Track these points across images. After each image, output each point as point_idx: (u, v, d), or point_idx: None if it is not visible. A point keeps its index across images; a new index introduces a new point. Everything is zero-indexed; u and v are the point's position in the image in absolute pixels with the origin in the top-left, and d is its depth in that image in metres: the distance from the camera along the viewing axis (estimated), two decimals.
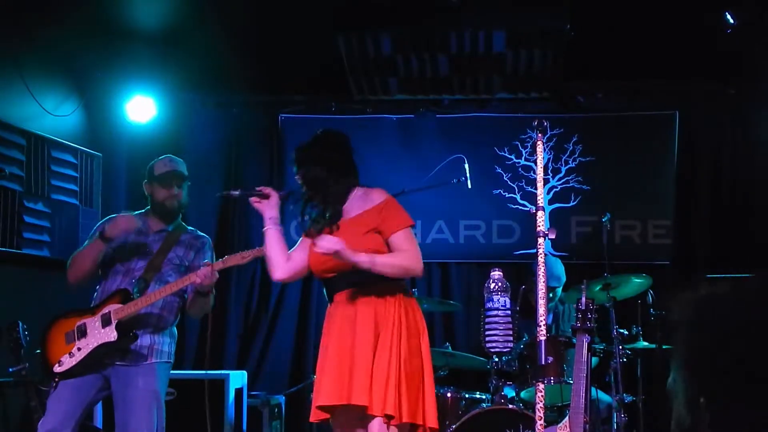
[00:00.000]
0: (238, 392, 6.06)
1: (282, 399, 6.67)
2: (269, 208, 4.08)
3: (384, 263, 3.80)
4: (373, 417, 3.67)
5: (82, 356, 4.30)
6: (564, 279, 6.30)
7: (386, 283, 3.86)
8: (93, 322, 4.33)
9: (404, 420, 3.69)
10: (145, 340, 4.41)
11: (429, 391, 3.85)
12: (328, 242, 3.71)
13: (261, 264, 7.47)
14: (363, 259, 3.75)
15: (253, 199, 4.09)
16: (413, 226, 4.02)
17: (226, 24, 6.49)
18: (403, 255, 3.85)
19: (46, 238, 6.10)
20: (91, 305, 4.46)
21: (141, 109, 7.09)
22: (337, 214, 3.97)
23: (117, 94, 7.04)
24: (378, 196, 3.98)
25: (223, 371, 6.13)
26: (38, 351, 4.44)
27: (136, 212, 4.69)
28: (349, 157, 4.10)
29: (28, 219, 5.91)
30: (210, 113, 7.58)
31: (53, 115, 6.23)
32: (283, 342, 7.40)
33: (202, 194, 7.50)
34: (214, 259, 4.60)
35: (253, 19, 6.47)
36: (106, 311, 4.33)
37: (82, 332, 4.33)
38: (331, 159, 4.02)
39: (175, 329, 4.65)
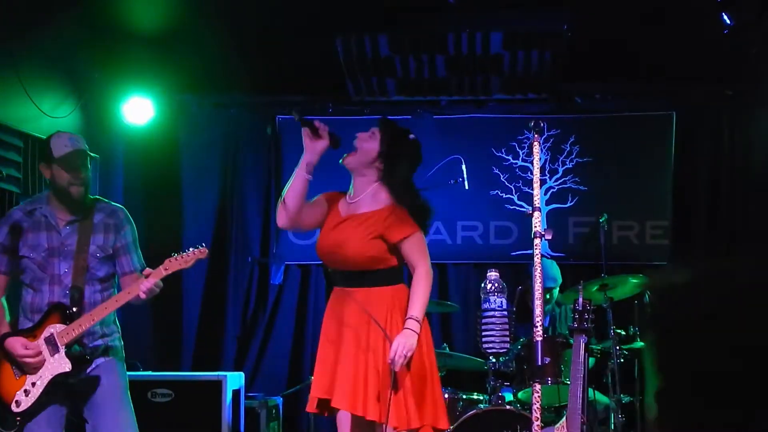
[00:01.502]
0: (236, 393, 6.06)
1: (279, 400, 6.66)
2: (313, 152, 3.94)
3: (423, 306, 3.86)
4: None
5: (39, 391, 3.94)
6: (560, 280, 6.30)
7: (393, 285, 3.93)
8: (40, 348, 3.96)
9: (413, 426, 3.78)
10: (98, 345, 4.13)
11: (437, 392, 3.94)
12: (402, 350, 3.71)
13: (258, 266, 7.50)
14: (415, 327, 3.79)
15: (305, 131, 3.95)
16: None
17: (223, 25, 6.49)
18: (423, 282, 3.91)
19: None
20: (27, 324, 4.07)
21: (139, 110, 7.08)
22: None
23: (114, 95, 7.04)
24: (386, 197, 3.97)
25: (220, 373, 6.12)
26: None
27: (34, 199, 4.30)
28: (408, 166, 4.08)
29: None
30: (207, 114, 7.58)
31: (50, 116, 6.22)
32: (281, 343, 7.40)
33: (201, 193, 7.55)
34: (134, 230, 4.28)
35: (251, 20, 6.47)
36: (49, 334, 3.95)
37: None
38: (406, 154, 4.03)
39: (117, 320, 4.29)
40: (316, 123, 3.92)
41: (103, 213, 4.22)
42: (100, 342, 4.15)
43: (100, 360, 4.13)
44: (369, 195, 4.00)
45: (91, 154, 4.29)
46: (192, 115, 7.54)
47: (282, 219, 3.98)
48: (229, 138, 7.65)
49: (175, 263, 3.97)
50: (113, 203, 4.38)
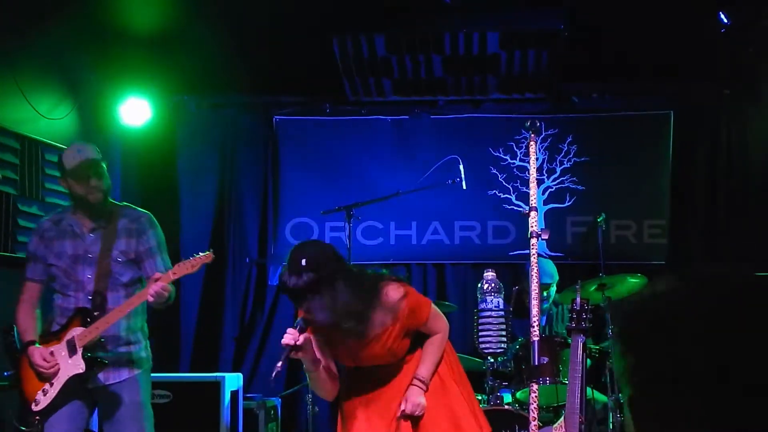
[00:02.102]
0: (234, 394, 6.05)
1: (278, 401, 6.67)
2: (310, 354, 3.62)
3: (433, 368, 3.80)
4: None
5: (56, 392, 4.13)
6: (557, 277, 6.28)
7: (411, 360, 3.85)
8: (60, 351, 4.15)
9: None
10: (122, 356, 4.26)
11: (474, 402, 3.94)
12: (418, 400, 3.68)
13: (256, 267, 7.50)
14: (422, 387, 3.74)
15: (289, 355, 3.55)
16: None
17: (220, 26, 6.49)
18: (438, 343, 3.82)
19: None
20: (53, 328, 4.27)
21: (136, 111, 7.07)
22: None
23: (111, 97, 7.03)
24: (394, 296, 3.67)
25: (218, 374, 6.12)
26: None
27: (62, 210, 4.47)
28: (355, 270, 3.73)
29: (22, 222, 5.89)
30: (204, 115, 7.57)
31: (47, 118, 6.21)
32: (279, 344, 7.34)
33: (197, 196, 7.54)
34: (158, 234, 4.40)
35: (248, 20, 6.47)
36: (71, 336, 4.14)
37: None
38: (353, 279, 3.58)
39: (146, 328, 4.45)
40: (289, 342, 3.48)
41: (127, 218, 4.36)
42: (124, 349, 4.28)
43: (125, 374, 4.28)
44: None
45: (101, 163, 4.29)
46: (189, 116, 7.54)
47: (331, 399, 3.87)
48: (226, 139, 7.64)
49: (183, 268, 4.08)
50: (139, 209, 4.49)
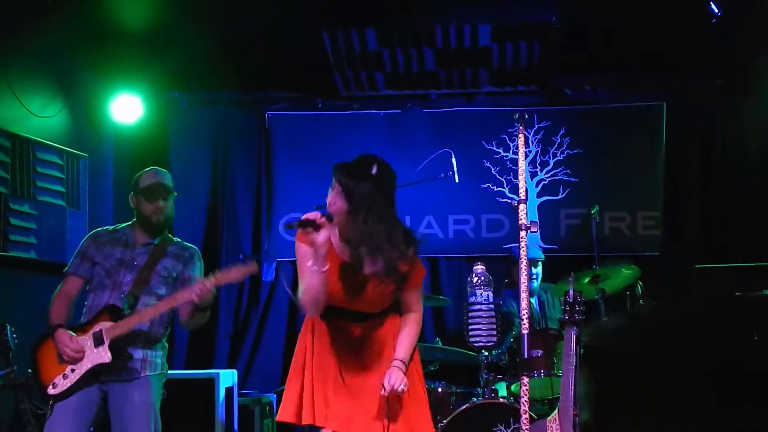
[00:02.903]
0: (229, 391, 6.05)
1: (273, 397, 6.65)
2: (321, 245, 3.60)
3: (410, 350, 3.88)
4: None
5: (77, 378, 4.25)
6: (542, 256, 6.38)
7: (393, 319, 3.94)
8: (85, 341, 4.27)
9: None
10: (137, 354, 4.38)
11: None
12: (397, 383, 3.73)
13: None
14: (402, 368, 3.80)
15: (306, 231, 3.61)
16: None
17: (211, 22, 6.47)
18: (416, 326, 3.91)
19: (33, 240, 6.06)
20: (81, 320, 4.40)
21: (127, 108, 7.06)
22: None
23: (102, 94, 7.01)
24: (413, 255, 3.81)
25: (213, 370, 6.11)
26: (29, 371, 4.41)
27: (123, 225, 4.66)
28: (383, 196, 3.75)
29: (14, 221, 5.88)
30: (196, 112, 7.55)
31: (38, 116, 6.19)
32: (274, 340, 7.38)
33: (190, 193, 7.51)
34: (203, 269, 4.59)
35: (239, 16, 6.45)
36: (98, 329, 4.26)
37: None
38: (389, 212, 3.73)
39: (165, 342, 4.61)
40: (310, 216, 3.60)
41: (177, 247, 4.62)
42: (140, 354, 4.40)
43: (139, 374, 4.39)
44: None
45: (172, 192, 4.60)
46: (181, 113, 7.52)
47: (317, 313, 3.80)
48: (218, 135, 7.62)
49: (228, 276, 4.17)
50: (190, 245, 4.71)
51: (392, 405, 3.78)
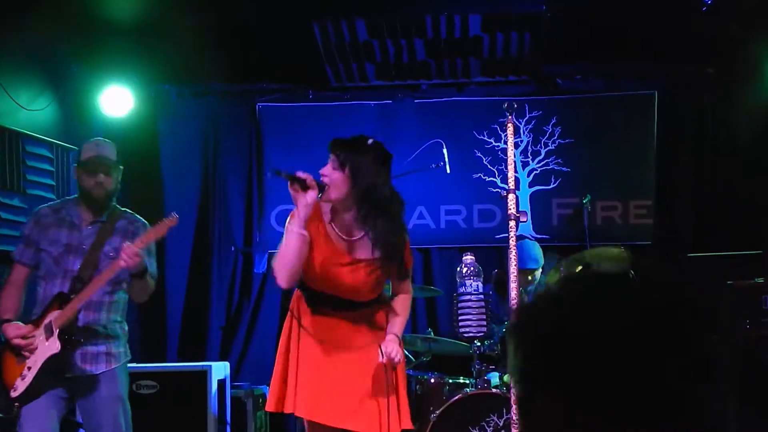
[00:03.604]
0: (221, 383, 6.04)
1: (266, 389, 6.64)
2: (305, 206, 3.59)
3: (403, 327, 3.96)
4: None
5: (33, 375, 4.10)
6: (542, 261, 6.28)
7: (378, 308, 3.98)
8: (38, 336, 4.14)
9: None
10: (100, 347, 4.27)
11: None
12: (394, 352, 3.78)
13: (242, 255, 7.47)
14: (396, 340, 3.85)
15: (293, 186, 3.60)
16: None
17: (201, 13, 6.43)
18: (408, 304, 4.01)
19: None
20: (33, 314, 4.26)
21: (117, 101, 7.03)
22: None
23: (92, 87, 6.98)
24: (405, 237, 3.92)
25: (205, 363, 6.10)
26: None
27: (68, 199, 4.51)
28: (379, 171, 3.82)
29: (4, 215, 5.85)
30: (187, 104, 7.53)
31: (27, 109, 6.16)
32: (266, 332, 7.36)
33: (182, 184, 7.50)
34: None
35: (229, 7, 6.42)
36: (48, 321, 4.13)
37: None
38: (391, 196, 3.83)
39: (125, 324, 4.46)
40: (301, 174, 3.59)
41: (126, 221, 4.42)
42: (102, 347, 4.29)
43: (103, 367, 4.28)
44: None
45: (114, 164, 4.39)
46: (171, 105, 7.50)
47: (286, 280, 3.68)
48: (209, 127, 7.60)
49: (150, 233, 4.13)
50: (140, 217, 4.52)
51: (388, 387, 3.81)
